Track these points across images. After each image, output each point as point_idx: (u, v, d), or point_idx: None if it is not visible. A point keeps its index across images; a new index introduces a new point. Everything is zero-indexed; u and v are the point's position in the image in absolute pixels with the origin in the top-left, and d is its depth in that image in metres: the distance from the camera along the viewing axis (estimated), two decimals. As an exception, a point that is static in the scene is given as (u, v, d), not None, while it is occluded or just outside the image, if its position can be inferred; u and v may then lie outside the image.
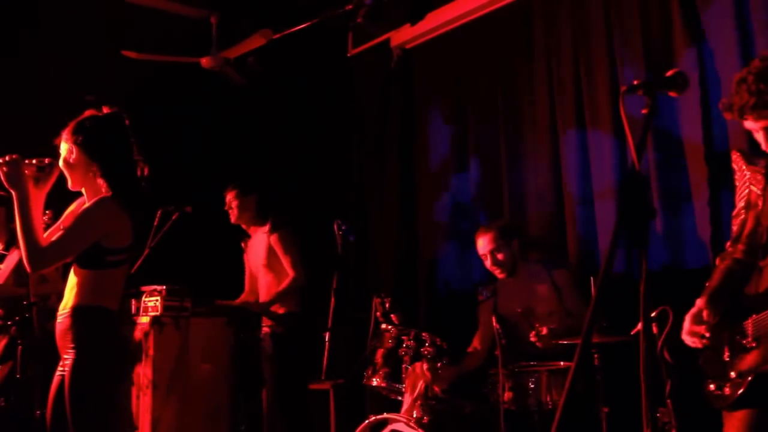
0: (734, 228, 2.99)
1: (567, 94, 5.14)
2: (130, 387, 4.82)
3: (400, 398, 4.40)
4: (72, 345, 3.12)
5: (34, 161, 3.26)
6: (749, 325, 2.79)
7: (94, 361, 3.10)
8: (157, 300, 5.23)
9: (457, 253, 5.77)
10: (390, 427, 4.21)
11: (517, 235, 4.77)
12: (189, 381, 5.23)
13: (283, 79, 6.94)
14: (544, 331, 4.25)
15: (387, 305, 4.62)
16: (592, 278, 3.90)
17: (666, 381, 3.39)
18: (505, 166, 5.54)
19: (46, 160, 3.28)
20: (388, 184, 6.45)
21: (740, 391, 2.73)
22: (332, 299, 5.13)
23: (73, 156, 3.25)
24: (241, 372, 5.54)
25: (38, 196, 3.23)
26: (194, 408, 5.24)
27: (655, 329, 3.36)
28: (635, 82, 2.24)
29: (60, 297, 3.28)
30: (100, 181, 3.23)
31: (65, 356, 3.14)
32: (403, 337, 4.39)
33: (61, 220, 3.43)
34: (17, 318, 4.62)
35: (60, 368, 3.18)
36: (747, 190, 2.92)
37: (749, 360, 2.74)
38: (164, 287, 5.27)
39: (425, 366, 4.24)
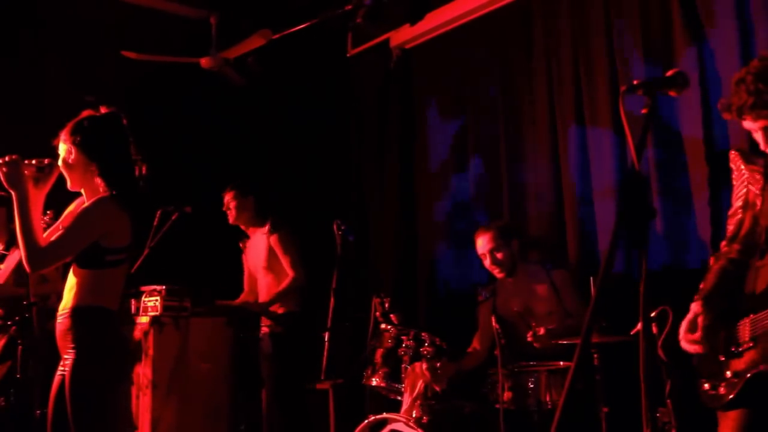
0: (730, 227, 2.98)
1: (567, 94, 5.14)
2: (130, 387, 4.83)
3: (399, 398, 4.40)
4: (72, 345, 3.12)
5: (33, 161, 3.26)
6: (746, 325, 2.78)
7: (94, 361, 3.11)
8: (156, 300, 5.23)
9: (456, 253, 5.77)
10: (389, 426, 4.21)
11: (516, 235, 4.78)
12: (189, 381, 5.23)
13: (282, 80, 6.94)
14: (542, 331, 4.26)
15: (386, 305, 4.61)
16: (591, 278, 3.90)
17: (666, 381, 3.39)
18: (504, 165, 5.54)
19: (46, 161, 3.28)
20: (388, 184, 6.45)
21: (736, 391, 2.72)
22: (332, 299, 5.12)
23: (72, 156, 3.25)
24: (241, 372, 5.54)
25: (38, 197, 3.23)
26: (194, 408, 5.24)
27: (654, 329, 3.36)
28: (635, 82, 2.24)
29: (60, 297, 3.28)
30: (99, 181, 3.24)
31: (65, 356, 3.15)
32: (402, 337, 4.39)
33: (60, 220, 3.43)
34: (17, 318, 4.62)
35: (60, 368, 3.19)
36: (745, 190, 2.92)
37: (746, 360, 2.73)
38: (164, 287, 5.28)
39: (424, 366, 4.24)
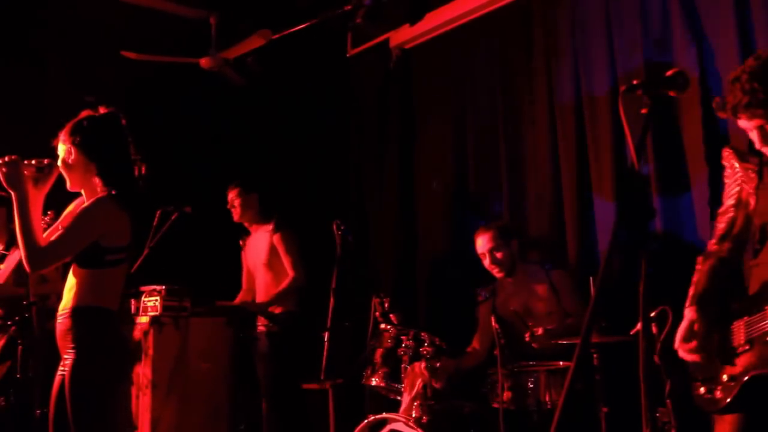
0: (721, 225, 2.96)
1: (566, 94, 5.14)
2: (130, 387, 4.83)
3: (399, 398, 4.40)
4: (72, 345, 3.12)
5: (33, 162, 3.27)
6: (741, 327, 2.75)
7: (94, 361, 3.11)
8: (156, 300, 5.23)
9: (456, 253, 5.76)
10: (389, 426, 4.21)
11: (516, 235, 4.79)
12: (188, 381, 5.23)
13: (282, 80, 6.94)
14: (540, 331, 4.26)
15: (386, 305, 4.62)
16: (591, 278, 3.90)
17: (665, 381, 3.38)
18: (504, 165, 5.54)
19: (46, 161, 3.29)
20: (388, 184, 6.45)
21: (732, 395, 2.70)
22: (331, 299, 5.13)
23: (72, 157, 3.26)
24: (241, 372, 5.54)
25: (37, 197, 3.24)
26: (194, 408, 5.24)
27: (654, 329, 3.36)
28: (635, 82, 2.24)
29: (59, 297, 3.29)
30: (98, 181, 3.24)
31: (65, 356, 3.15)
32: (402, 337, 4.39)
33: (59, 220, 3.43)
34: (17, 318, 4.62)
35: (61, 368, 3.19)
36: (738, 188, 2.90)
37: (742, 363, 2.71)
38: (163, 287, 5.28)
39: (424, 366, 4.24)
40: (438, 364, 4.24)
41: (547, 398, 4.07)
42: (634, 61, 4.72)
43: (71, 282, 3.22)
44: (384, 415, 4.25)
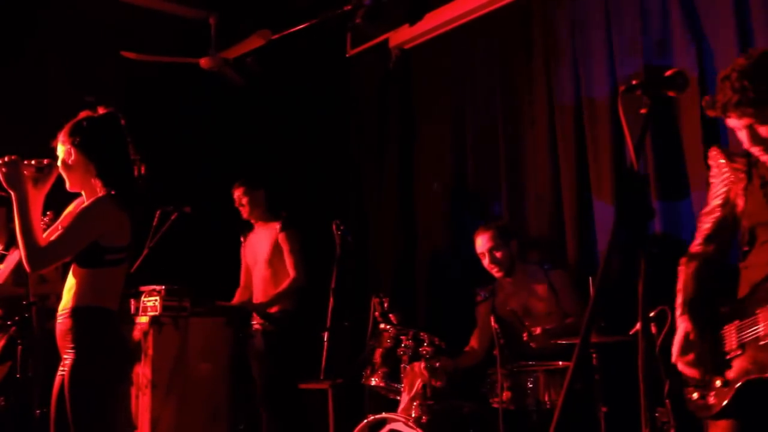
0: (706, 226, 2.93)
1: (566, 94, 5.14)
2: (130, 387, 4.83)
3: (398, 398, 4.40)
4: (72, 345, 3.12)
5: (33, 162, 3.27)
6: (732, 331, 2.73)
7: (93, 361, 3.11)
8: (156, 300, 5.23)
9: (455, 253, 5.77)
10: (388, 426, 4.21)
11: (515, 235, 4.79)
12: (188, 381, 5.23)
13: (282, 80, 6.94)
14: (538, 330, 4.26)
15: (385, 305, 4.62)
16: (590, 278, 3.90)
17: (665, 381, 3.38)
18: (504, 165, 5.54)
19: (45, 161, 3.29)
20: (387, 184, 6.45)
21: (726, 400, 2.67)
22: (331, 299, 5.13)
23: (72, 158, 3.26)
24: (240, 371, 5.54)
25: (37, 197, 3.24)
26: (193, 407, 5.24)
27: (653, 329, 3.36)
28: (634, 82, 2.23)
29: (59, 297, 3.29)
30: (97, 181, 3.24)
31: (65, 356, 3.15)
32: (401, 337, 4.40)
33: (59, 220, 3.44)
34: (17, 318, 4.62)
35: (61, 368, 3.19)
36: (726, 188, 2.87)
37: (735, 368, 2.68)
38: (163, 287, 5.28)
39: (423, 365, 4.24)
40: (437, 364, 4.24)
41: (547, 398, 4.07)
42: (633, 61, 4.72)
43: (71, 282, 3.22)
44: (383, 414, 4.25)
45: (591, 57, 5.00)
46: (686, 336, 2.79)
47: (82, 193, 3.33)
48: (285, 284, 5.51)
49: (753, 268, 2.79)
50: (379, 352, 4.45)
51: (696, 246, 2.95)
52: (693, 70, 4.32)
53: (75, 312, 3.15)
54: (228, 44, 6.34)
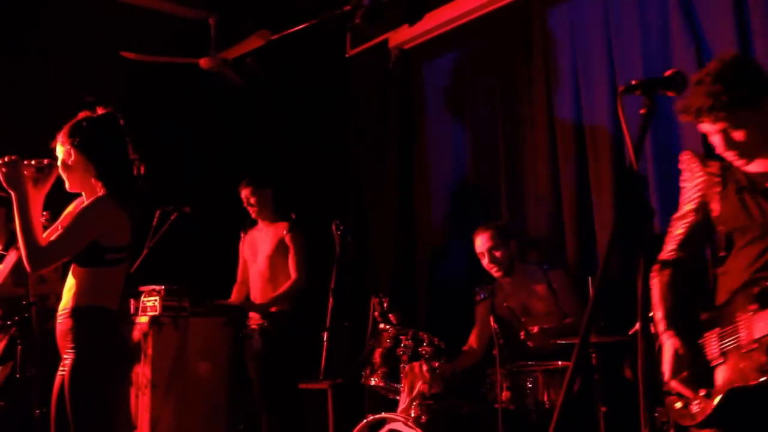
0: (678, 231, 2.91)
1: (565, 94, 5.14)
2: (129, 387, 4.83)
3: (398, 398, 4.40)
4: (72, 345, 3.13)
5: (33, 162, 3.27)
6: (713, 339, 2.71)
7: (93, 361, 3.11)
8: (155, 300, 5.24)
9: (455, 253, 5.77)
10: (388, 426, 4.21)
11: (514, 235, 4.79)
12: (187, 380, 5.24)
13: (281, 80, 6.95)
14: (535, 329, 4.27)
15: (385, 305, 4.62)
16: (590, 278, 3.91)
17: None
18: (503, 165, 5.55)
19: (45, 161, 3.30)
20: (387, 184, 6.46)
21: (710, 410, 2.64)
22: (330, 299, 5.13)
23: (72, 158, 3.26)
24: (239, 371, 5.54)
25: (37, 197, 3.24)
26: (193, 407, 5.25)
27: (653, 329, 3.36)
28: (633, 82, 2.22)
29: (59, 297, 3.29)
30: (97, 181, 3.24)
31: (65, 356, 3.15)
32: (401, 337, 4.40)
33: (59, 220, 3.44)
34: (17, 318, 4.62)
35: (61, 368, 3.19)
36: (700, 193, 2.86)
37: (718, 377, 2.66)
38: (163, 287, 5.29)
39: (423, 366, 4.24)
40: (436, 364, 4.24)
41: (546, 398, 4.07)
42: (633, 61, 4.72)
43: (71, 282, 3.22)
44: (383, 414, 4.25)
45: (590, 57, 5.00)
46: (676, 353, 2.75)
47: (82, 193, 3.33)
48: (287, 285, 5.50)
49: (731, 274, 2.77)
50: (378, 352, 4.45)
51: (668, 252, 2.92)
52: (692, 70, 4.32)
53: (75, 312, 3.16)
54: (228, 44, 6.34)
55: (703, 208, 2.85)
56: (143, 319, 5.23)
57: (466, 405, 4.38)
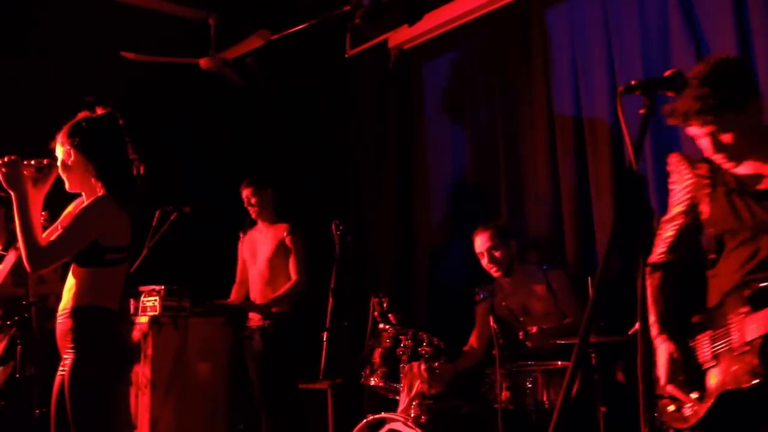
0: (667, 234, 2.90)
1: (565, 94, 5.14)
2: (129, 386, 4.83)
3: (397, 398, 4.40)
4: (72, 345, 3.13)
5: (32, 162, 3.27)
6: (705, 341, 2.71)
7: (93, 361, 3.11)
8: (155, 300, 5.24)
9: (454, 254, 5.77)
10: (388, 426, 4.21)
11: (514, 235, 4.79)
12: (187, 381, 5.24)
13: (281, 80, 6.95)
14: (534, 329, 4.27)
15: (385, 305, 4.62)
16: (589, 278, 3.91)
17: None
18: (503, 166, 5.55)
19: (45, 161, 3.30)
20: (387, 184, 6.46)
21: (703, 413, 2.64)
22: (330, 299, 5.13)
23: (71, 158, 3.26)
24: (239, 371, 5.54)
25: (37, 197, 3.25)
26: (192, 407, 5.25)
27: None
28: (633, 82, 2.22)
29: (58, 298, 3.29)
30: (97, 181, 3.25)
31: (65, 356, 3.15)
32: (400, 337, 4.40)
33: (59, 220, 3.44)
34: (17, 318, 4.62)
35: (61, 368, 3.19)
36: (689, 195, 2.85)
37: (711, 379, 2.65)
38: (162, 287, 5.28)
39: (423, 366, 4.24)
40: (436, 364, 4.24)
41: (546, 398, 4.07)
42: (632, 61, 4.72)
43: (71, 282, 3.22)
44: (383, 414, 4.25)
45: (589, 57, 5.00)
46: (671, 357, 2.75)
47: (82, 193, 3.33)
48: (287, 287, 5.50)
49: (722, 277, 2.77)
50: (378, 351, 4.45)
51: (658, 255, 2.91)
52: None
53: (75, 312, 3.16)
54: (228, 44, 6.34)
55: (692, 210, 2.85)
56: (143, 319, 5.23)
57: (465, 405, 4.38)
